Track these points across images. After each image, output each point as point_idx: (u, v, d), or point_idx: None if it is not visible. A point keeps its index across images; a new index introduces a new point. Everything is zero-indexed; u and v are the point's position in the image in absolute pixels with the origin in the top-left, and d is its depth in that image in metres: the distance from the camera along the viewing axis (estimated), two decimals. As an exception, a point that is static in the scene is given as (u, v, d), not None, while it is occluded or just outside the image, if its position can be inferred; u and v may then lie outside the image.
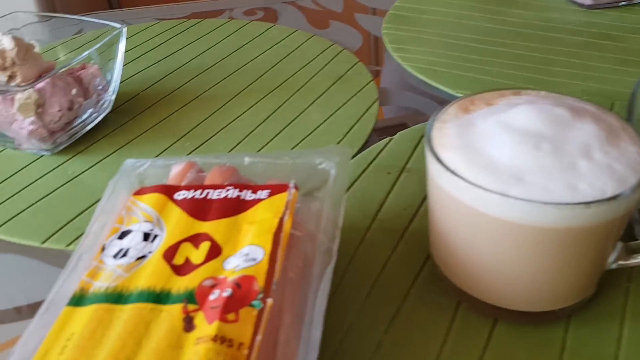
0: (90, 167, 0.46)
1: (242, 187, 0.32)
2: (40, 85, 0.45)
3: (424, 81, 0.55)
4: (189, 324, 0.24)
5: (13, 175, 0.45)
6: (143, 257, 0.28)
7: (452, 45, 0.60)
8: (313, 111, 0.51)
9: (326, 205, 0.32)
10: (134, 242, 0.29)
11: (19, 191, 0.43)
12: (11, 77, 0.45)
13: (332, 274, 0.28)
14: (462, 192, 0.28)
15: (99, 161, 0.46)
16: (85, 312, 0.26)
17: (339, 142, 0.47)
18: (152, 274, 0.27)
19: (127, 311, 0.26)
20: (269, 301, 0.25)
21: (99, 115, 0.50)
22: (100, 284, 0.27)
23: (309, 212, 0.32)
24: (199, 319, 0.25)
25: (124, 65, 0.57)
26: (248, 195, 0.31)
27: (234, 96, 0.54)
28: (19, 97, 0.44)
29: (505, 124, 0.30)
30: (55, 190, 0.43)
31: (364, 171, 0.43)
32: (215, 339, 0.23)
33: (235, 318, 0.24)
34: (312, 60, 0.59)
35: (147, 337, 0.24)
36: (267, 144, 0.47)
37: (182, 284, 0.26)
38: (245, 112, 0.52)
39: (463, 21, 0.64)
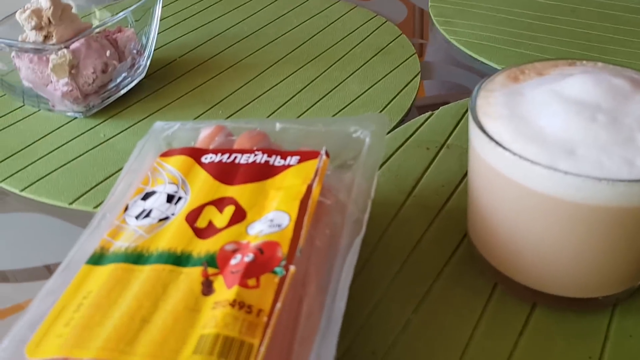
0: (122, 131, 0.45)
1: (271, 152, 0.30)
2: (74, 45, 0.44)
3: (470, 56, 0.52)
4: (207, 288, 0.23)
5: (46, 135, 0.45)
6: (166, 218, 0.27)
7: (501, 19, 0.57)
8: (352, 82, 0.49)
9: (358, 175, 0.30)
10: (157, 203, 0.28)
11: (51, 152, 0.43)
12: (47, 37, 0.45)
13: (361, 246, 0.27)
14: (507, 165, 0.26)
15: (131, 126, 0.46)
16: (104, 271, 0.25)
17: (376, 115, 0.45)
18: (173, 236, 0.26)
19: (145, 272, 0.25)
20: (292, 269, 0.24)
21: (133, 80, 0.49)
22: (121, 244, 0.26)
23: (340, 182, 0.30)
24: (219, 283, 0.23)
25: (161, 32, 0.57)
26: (277, 161, 0.30)
27: (270, 65, 0.52)
28: (54, 57, 0.44)
29: (558, 93, 0.28)
30: (86, 152, 0.43)
31: (401, 145, 0.41)
32: (233, 304, 0.22)
33: (255, 284, 0.23)
34: (353, 32, 0.57)
35: (164, 299, 0.23)
36: (302, 114, 0.46)
37: (203, 247, 0.25)
38: (281, 81, 0.50)
39: (514, -4, 0.61)
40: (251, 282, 0.23)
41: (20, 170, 0.41)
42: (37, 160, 0.42)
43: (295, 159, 0.30)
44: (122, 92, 0.48)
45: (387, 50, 0.53)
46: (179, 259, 0.25)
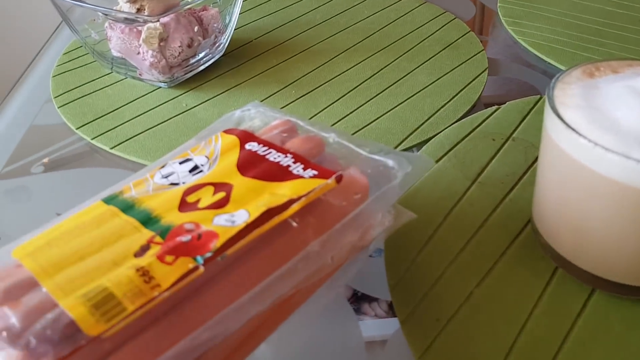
0: (202, 102, 0.48)
1: (298, 159, 0.30)
2: (165, 19, 0.47)
3: (537, 57, 0.53)
4: (142, 252, 0.25)
5: (132, 101, 0.48)
6: (176, 184, 0.29)
7: (570, 24, 0.58)
8: (419, 73, 0.51)
9: (361, 212, 0.29)
10: (182, 169, 0.30)
11: (137, 116, 0.46)
12: (139, 10, 0.48)
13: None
14: (582, 152, 0.28)
15: (211, 98, 0.48)
16: (101, 209, 0.27)
17: (444, 105, 0.47)
18: (162, 200, 0.28)
19: (120, 219, 0.26)
20: (201, 269, 0.24)
21: (214, 56, 0.52)
22: (132, 193, 0.28)
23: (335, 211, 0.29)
24: (152, 251, 0.24)
25: (239, 14, 0.59)
26: (297, 169, 0.29)
27: (341, 52, 0.55)
28: (149, 26, 0.47)
29: (634, 89, 0.29)
30: (170, 119, 0.46)
31: (468, 135, 0.43)
32: (139, 269, 0.23)
33: (171, 262, 0.24)
34: (422, 26, 0.59)
35: (109, 247, 0.25)
36: (371, 99, 0.48)
37: (172, 218, 0.26)
38: (350, 68, 0.52)
39: (584, 2, 0.62)
40: (169, 258, 0.24)
41: (109, 130, 0.45)
42: (125, 122, 0.46)
43: (312, 172, 0.29)
44: (202, 67, 0.51)
45: (455, 46, 0.55)
46: (148, 220, 0.26)
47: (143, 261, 0.24)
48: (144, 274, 0.23)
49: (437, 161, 0.41)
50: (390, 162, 0.32)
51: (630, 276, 0.30)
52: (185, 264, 0.24)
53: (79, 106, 0.47)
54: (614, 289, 0.31)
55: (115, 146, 0.43)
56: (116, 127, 0.45)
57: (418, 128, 0.44)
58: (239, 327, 0.24)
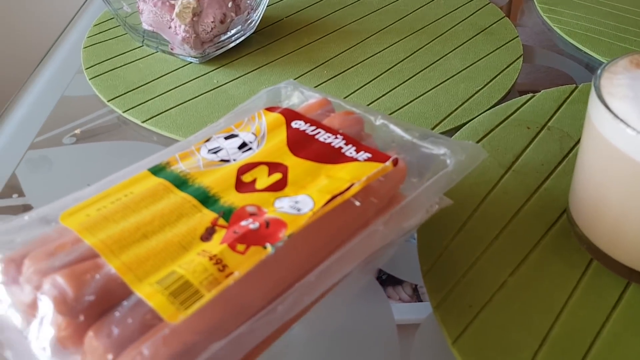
0: (233, 79, 0.48)
1: (350, 141, 0.30)
2: (199, -6, 0.47)
3: (571, 45, 0.52)
4: (208, 235, 0.24)
5: (164, 75, 0.48)
6: (227, 161, 0.29)
7: (606, 13, 0.56)
8: (453, 58, 0.50)
9: (414, 196, 0.28)
10: (230, 145, 0.30)
11: (168, 91, 0.46)
12: (173, -17, 0.48)
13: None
14: (628, 143, 0.27)
15: (242, 75, 0.48)
16: (152, 181, 0.27)
17: (478, 91, 0.46)
18: (218, 178, 0.27)
19: (177, 197, 0.26)
20: (269, 247, 0.24)
21: (245, 34, 0.52)
22: (181, 166, 0.28)
23: (389, 193, 0.29)
24: (219, 235, 0.24)
25: (270, -9, 0.59)
26: (349, 151, 0.29)
27: (374, 33, 0.54)
28: (179, 2, 0.46)
29: (685, 81, 0.28)
30: (201, 95, 0.46)
31: (502, 122, 0.42)
32: (212, 257, 0.23)
33: (243, 250, 0.24)
34: (456, 9, 0.58)
35: (172, 226, 0.25)
36: (403, 82, 0.47)
37: (232, 198, 0.26)
38: (383, 49, 0.52)
39: (621, -9, 0.61)
40: (240, 247, 0.24)
41: (141, 104, 0.45)
42: (156, 97, 0.45)
43: (366, 155, 0.29)
44: (233, 44, 0.51)
45: (490, 31, 0.54)
46: (207, 199, 0.26)
47: (214, 248, 0.24)
48: (218, 262, 0.23)
49: (470, 147, 0.40)
50: (441, 149, 0.31)
51: (669, 271, 0.30)
52: (257, 253, 0.24)
53: (110, 79, 0.47)
54: (651, 283, 0.31)
55: (146, 120, 0.43)
56: (147, 101, 0.45)
57: (452, 113, 0.44)
58: (308, 304, 0.24)
